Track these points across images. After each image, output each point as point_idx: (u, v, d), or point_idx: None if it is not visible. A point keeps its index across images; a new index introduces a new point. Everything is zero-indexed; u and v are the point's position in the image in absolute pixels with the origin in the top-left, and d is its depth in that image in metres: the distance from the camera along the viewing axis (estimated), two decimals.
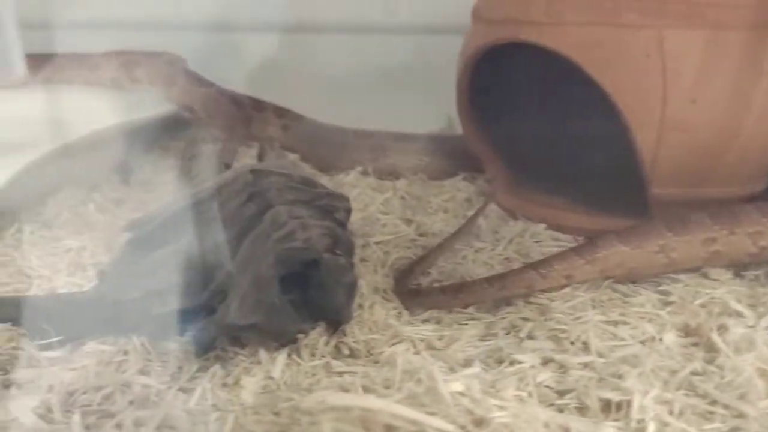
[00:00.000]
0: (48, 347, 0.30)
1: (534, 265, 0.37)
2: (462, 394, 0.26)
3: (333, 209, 0.41)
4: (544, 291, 0.37)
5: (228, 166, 0.49)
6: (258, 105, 0.66)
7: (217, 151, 0.50)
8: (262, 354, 0.34)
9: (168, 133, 0.65)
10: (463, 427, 0.24)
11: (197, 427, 0.26)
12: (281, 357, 0.34)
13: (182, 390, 0.31)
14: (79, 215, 0.49)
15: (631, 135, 0.41)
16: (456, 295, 0.38)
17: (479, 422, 0.24)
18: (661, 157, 0.41)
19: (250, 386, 0.32)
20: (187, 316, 0.35)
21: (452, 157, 0.58)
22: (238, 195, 0.37)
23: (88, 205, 0.50)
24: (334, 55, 0.69)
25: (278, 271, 0.33)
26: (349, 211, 0.42)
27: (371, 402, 0.23)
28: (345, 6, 0.68)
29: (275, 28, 0.68)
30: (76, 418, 0.27)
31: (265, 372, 0.33)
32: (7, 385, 0.27)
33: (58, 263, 0.42)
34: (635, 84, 0.40)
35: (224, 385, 0.32)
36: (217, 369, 0.33)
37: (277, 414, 0.27)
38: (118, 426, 0.26)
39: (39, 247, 0.44)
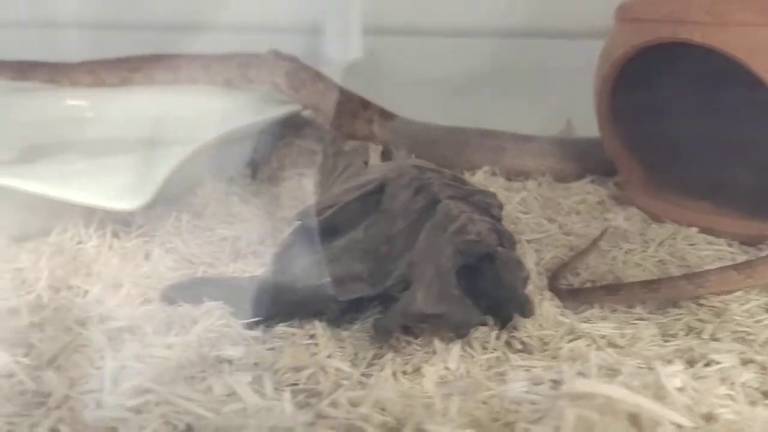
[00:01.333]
0: (248, 327, 0.31)
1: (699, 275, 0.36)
2: (681, 389, 0.25)
3: (487, 206, 0.41)
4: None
5: (366, 163, 0.50)
6: (365, 103, 0.67)
7: (359, 147, 0.51)
8: (437, 344, 0.34)
9: (291, 131, 0.67)
10: (694, 422, 0.23)
11: (410, 409, 0.27)
12: (456, 348, 0.34)
13: (365, 375, 0.32)
14: (224, 206, 0.50)
15: None
16: (621, 295, 0.38)
17: (708, 418, 0.24)
18: None
19: (431, 375, 0.33)
20: (364, 303, 0.36)
21: (579, 160, 0.58)
22: (406, 189, 0.37)
23: (232, 197, 0.52)
24: (448, 57, 0.70)
25: (455, 263, 0.34)
26: (501, 207, 0.42)
27: (615, 391, 0.23)
28: (461, 9, 0.69)
29: (393, 31, 0.69)
30: (287, 395, 0.28)
31: (442, 362, 0.33)
32: (220, 361, 0.29)
33: (217, 251, 0.44)
34: None
35: (404, 372, 0.33)
36: (391, 357, 0.34)
37: (485, 403, 0.27)
38: (333, 404, 0.27)
39: (196, 235, 0.46)
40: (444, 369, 0.33)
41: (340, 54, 0.70)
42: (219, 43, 0.64)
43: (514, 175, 0.57)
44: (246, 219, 0.49)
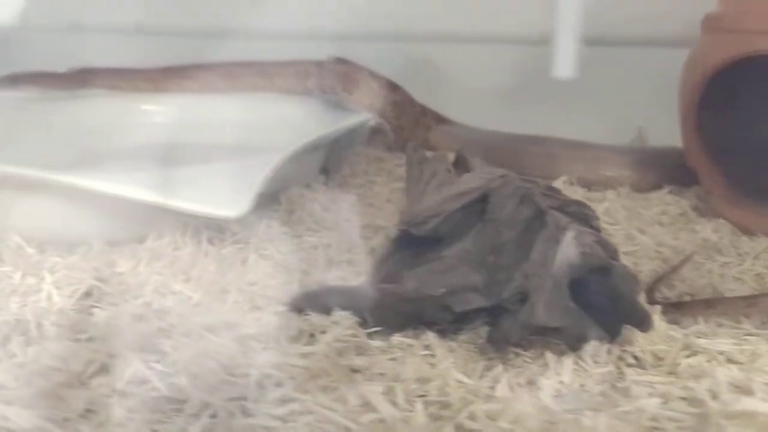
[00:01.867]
0: (371, 337, 0.32)
1: None
2: None
3: (585, 216, 0.41)
4: None
5: (448, 171, 0.50)
6: (424, 109, 0.67)
7: (440, 155, 0.51)
8: (549, 357, 0.34)
9: (359, 138, 0.68)
10: None
11: (552, 426, 0.27)
12: (568, 362, 0.34)
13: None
14: (308, 213, 0.51)
15: None
16: (723, 309, 0.38)
17: None
18: None
19: (547, 389, 0.32)
20: (469, 314, 0.36)
21: (656, 170, 0.57)
22: (511, 198, 0.37)
23: (314, 204, 0.52)
24: (516, 65, 0.70)
25: (569, 275, 0.34)
26: (598, 219, 0.42)
27: None
28: (529, 16, 0.69)
29: (458, 38, 0.69)
30: (419, 406, 0.28)
31: (556, 376, 0.33)
32: (353, 371, 0.29)
33: (310, 258, 0.44)
34: None
35: (518, 385, 0.33)
36: (502, 369, 0.34)
37: (625, 420, 0.27)
38: (471, 417, 0.27)
39: (286, 242, 0.46)
40: (558, 383, 0.33)
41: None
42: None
43: (590, 184, 0.57)
44: (330, 226, 0.49)
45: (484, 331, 0.36)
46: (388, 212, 0.53)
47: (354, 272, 0.42)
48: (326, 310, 0.31)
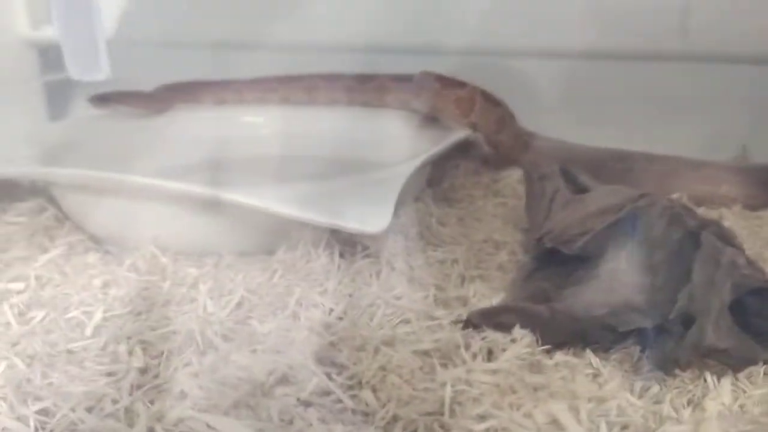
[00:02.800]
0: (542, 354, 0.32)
1: None
2: None
3: (725, 236, 0.40)
4: None
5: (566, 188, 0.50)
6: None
7: (554, 171, 0.51)
8: (709, 379, 0.34)
9: (457, 153, 0.68)
10: None
11: None
12: (727, 383, 0.34)
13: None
14: (426, 227, 0.51)
15: None
16: None
17: None
18: None
19: (712, 410, 0.32)
20: (630, 334, 0.36)
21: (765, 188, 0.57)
22: (661, 218, 0.37)
23: (429, 218, 0.53)
24: (623, 81, 0.69)
25: (730, 297, 0.34)
26: (736, 238, 0.41)
27: None
28: (628, 32, 0.68)
29: (568, 54, 0.69)
30: (603, 426, 0.28)
31: (717, 397, 0.33)
32: (534, 388, 0.29)
33: (440, 273, 0.45)
34: None
35: (682, 406, 0.33)
36: (658, 390, 0.34)
37: None
38: None
39: (414, 256, 0.46)
40: (720, 404, 0.33)
41: None
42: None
43: (702, 202, 0.56)
44: (450, 241, 0.50)
45: (634, 350, 0.36)
46: (498, 227, 0.54)
47: (489, 288, 0.42)
48: (503, 328, 0.32)
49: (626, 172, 0.61)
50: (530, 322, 0.32)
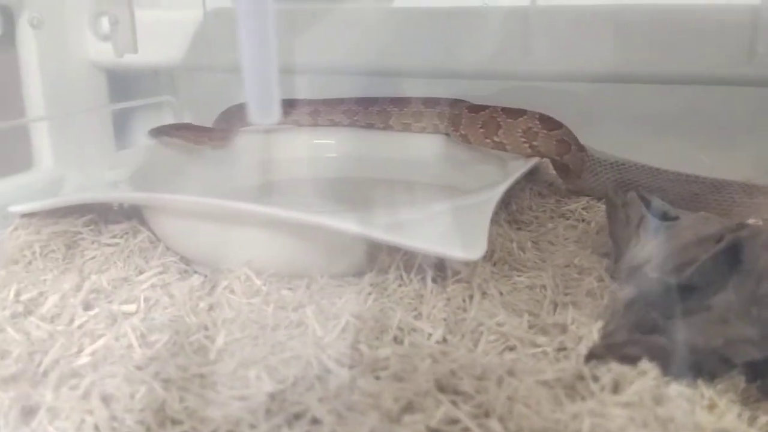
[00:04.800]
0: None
1: None
2: None
3: None
4: None
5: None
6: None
7: (636, 199, 0.52)
8: None
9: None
10: None
11: None
12: None
13: None
14: (506, 251, 0.52)
15: None
16: None
17: None
18: None
19: None
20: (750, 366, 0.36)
21: None
22: (765, 248, 0.38)
23: (509, 243, 0.53)
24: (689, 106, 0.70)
25: None
26: None
27: None
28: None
29: (604, 78, 0.70)
30: None
31: None
32: (665, 421, 0.29)
33: (531, 299, 0.45)
34: None
35: None
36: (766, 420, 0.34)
37: None
38: None
39: (501, 282, 0.47)
40: None
41: None
42: None
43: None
44: (532, 266, 0.51)
45: (740, 380, 0.37)
46: (575, 251, 0.54)
47: (583, 314, 0.43)
48: (628, 360, 0.32)
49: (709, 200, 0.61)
50: (654, 353, 0.32)
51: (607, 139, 0.66)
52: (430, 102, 0.70)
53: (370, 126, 0.70)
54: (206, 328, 0.37)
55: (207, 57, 0.73)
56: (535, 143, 0.63)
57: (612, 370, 0.31)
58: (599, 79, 0.68)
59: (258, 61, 0.23)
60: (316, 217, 0.43)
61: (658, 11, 0.65)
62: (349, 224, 0.42)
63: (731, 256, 0.39)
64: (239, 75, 0.25)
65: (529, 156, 0.63)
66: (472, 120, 0.65)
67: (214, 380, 0.33)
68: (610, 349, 0.33)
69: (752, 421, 0.34)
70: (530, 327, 0.42)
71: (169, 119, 0.76)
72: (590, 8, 0.67)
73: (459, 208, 0.47)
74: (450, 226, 0.44)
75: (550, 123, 0.64)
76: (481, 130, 0.64)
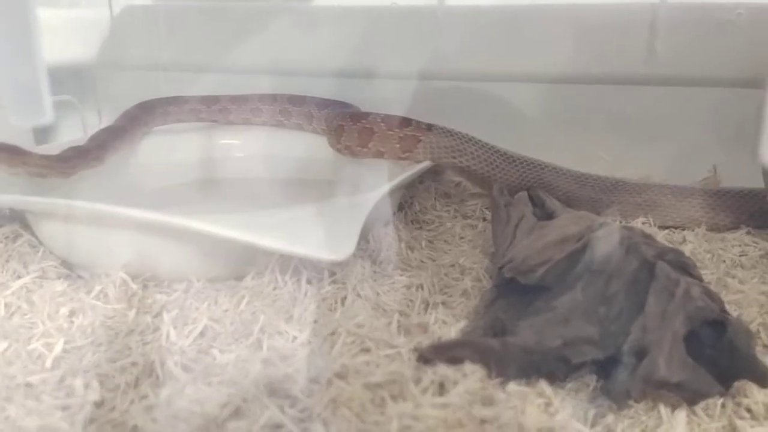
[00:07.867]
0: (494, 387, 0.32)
1: None
2: None
3: (683, 264, 0.41)
4: None
5: (534, 214, 0.51)
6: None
7: (522, 197, 0.52)
8: (662, 410, 0.34)
9: (429, 175, 0.68)
10: None
11: None
12: (681, 415, 0.34)
13: None
14: (394, 252, 0.52)
15: None
16: None
17: None
18: None
19: None
20: (585, 364, 0.36)
21: (733, 211, 0.57)
22: (618, 248, 0.38)
23: (399, 243, 0.53)
24: (589, 105, 0.70)
25: (685, 329, 0.34)
26: (696, 267, 0.42)
27: None
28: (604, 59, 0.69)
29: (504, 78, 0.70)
30: None
31: (671, 429, 0.33)
32: (482, 421, 0.29)
33: (405, 299, 0.45)
34: None
35: None
36: (613, 419, 0.34)
37: None
38: None
39: (379, 282, 0.47)
40: None
41: None
42: None
43: (665, 225, 0.57)
44: (416, 265, 0.50)
45: (591, 379, 0.37)
46: (465, 251, 0.54)
47: (452, 314, 0.43)
48: (457, 362, 0.32)
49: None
50: (483, 355, 0.32)
51: (509, 137, 0.66)
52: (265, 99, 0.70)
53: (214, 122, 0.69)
54: (52, 336, 0.37)
55: (115, 55, 0.72)
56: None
57: (437, 372, 0.31)
58: (500, 79, 0.69)
59: (19, 59, 0.22)
60: (180, 220, 0.42)
61: (557, 11, 0.65)
62: (211, 227, 0.41)
63: (588, 256, 0.39)
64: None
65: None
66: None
67: (41, 389, 0.32)
68: (438, 352, 0.33)
69: (597, 419, 0.34)
70: (398, 327, 0.42)
71: (73, 119, 0.75)
72: (494, 9, 0.67)
73: (335, 209, 0.46)
74: (320, 227, 0.44)
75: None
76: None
